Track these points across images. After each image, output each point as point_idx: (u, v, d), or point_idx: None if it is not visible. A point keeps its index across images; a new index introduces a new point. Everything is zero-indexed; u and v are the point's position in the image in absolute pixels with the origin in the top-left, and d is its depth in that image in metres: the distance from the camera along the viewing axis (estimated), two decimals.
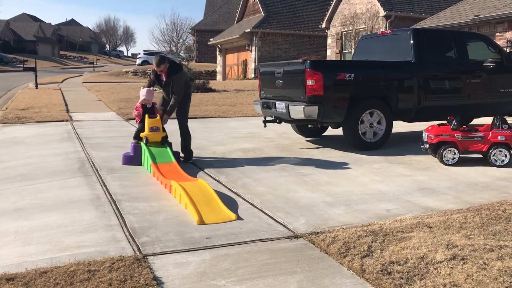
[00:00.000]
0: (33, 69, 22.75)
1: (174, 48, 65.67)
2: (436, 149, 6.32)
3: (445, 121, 6.65)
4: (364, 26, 20.96)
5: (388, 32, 8.50)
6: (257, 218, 4.24)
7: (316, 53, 27.79)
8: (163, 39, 68.95)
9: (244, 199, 4.83)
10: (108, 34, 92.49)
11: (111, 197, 4.85)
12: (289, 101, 7.15)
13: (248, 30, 27.79)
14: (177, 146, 6.57)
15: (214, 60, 38.88)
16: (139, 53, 55.39)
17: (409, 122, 7.89)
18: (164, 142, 6.32)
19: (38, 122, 10.63)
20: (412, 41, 7.47)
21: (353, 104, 6.98)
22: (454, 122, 6.24)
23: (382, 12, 20.09)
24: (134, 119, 7.05)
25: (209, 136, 8.79)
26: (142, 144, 6.23)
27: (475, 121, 8.91)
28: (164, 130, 6.34)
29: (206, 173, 5.97)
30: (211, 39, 35.60)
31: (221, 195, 4.74)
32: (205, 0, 52.03)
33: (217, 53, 35.22)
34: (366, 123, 7.14)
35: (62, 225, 4.06)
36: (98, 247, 3.56)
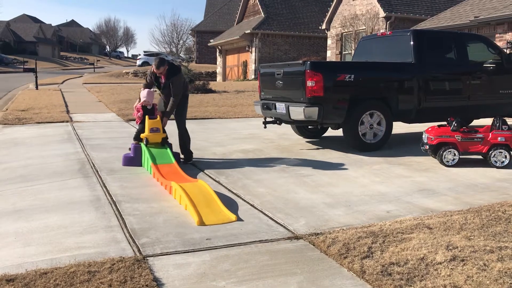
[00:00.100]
0: (33, 70, 22.79)
1: (174, 49, 65.73)
2: (436, 150, 6.32)
3: (445, 122, 6.65)
4: (364, 27, 20.97)
5: (388, 33, 8.52)
6: (257, 219, 4.24)
7: (316, 54, 27.80)
8: (163, 40, 69.17)
9: (244, 200, 4.83)
10: (108, 35, 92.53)
11: (111, 198, 4.85)
12: (289, 102, 7.15)
13: (248, 31, 27.82)
14: (177, 147, 6.57)
15: (214, 61, 38.89)
16: (140, 54, 55.29)
17: (409, 123, 7.88)
18: (164, 143, 6.32)
19: (38, 123, 10.63)
20: (412, 42, 7.48)
21: (353, 105, 6.98)
22: (454, 123, 6.24)
23: (382, 13, 20.11)
24: (134, 120, 7.05)
25: (209, 137, 8.79)
26: (142, 145, 6.24)
27: (475, 122, 8.92)
28: (164, 131, 6.34)
29: (206, 174, 5.97)
30: (211, 40, 35.62)
31: (221, 196, 4.74)
32: (205, 1, 52.06)
33: (217, 54, 35.23)
34: (366, 124, 7.15)
35: (62, 226, 4.06)
36: (98, 248, 3.56)
